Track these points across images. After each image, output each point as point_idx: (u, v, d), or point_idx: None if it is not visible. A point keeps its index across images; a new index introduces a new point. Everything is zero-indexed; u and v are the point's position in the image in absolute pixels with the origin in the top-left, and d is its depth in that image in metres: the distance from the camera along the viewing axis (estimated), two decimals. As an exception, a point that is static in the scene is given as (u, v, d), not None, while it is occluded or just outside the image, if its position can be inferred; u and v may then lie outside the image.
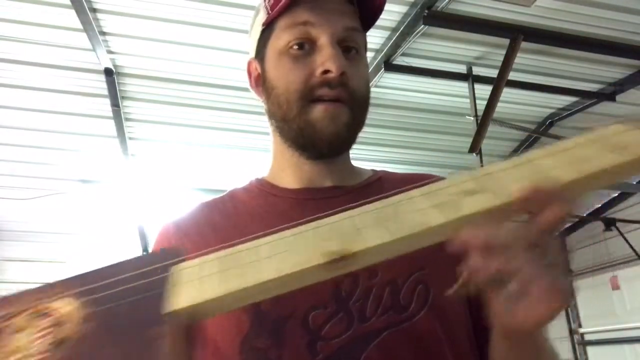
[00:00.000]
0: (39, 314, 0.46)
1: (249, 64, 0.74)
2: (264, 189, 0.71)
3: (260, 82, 0.71)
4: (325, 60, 0.63)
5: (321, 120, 0.64)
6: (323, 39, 0.64)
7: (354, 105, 0.65)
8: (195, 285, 0.42)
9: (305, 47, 0.65)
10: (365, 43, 0.72)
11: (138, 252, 4.08)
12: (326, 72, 0.63)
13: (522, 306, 0.39)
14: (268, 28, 0.69)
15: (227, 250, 0.44)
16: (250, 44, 0.75)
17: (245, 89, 3.02)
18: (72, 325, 0.44)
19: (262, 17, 0.70)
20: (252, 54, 0.73)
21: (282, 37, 0.66)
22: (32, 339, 0.43)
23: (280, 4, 0.66)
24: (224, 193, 0.73)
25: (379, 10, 0.70)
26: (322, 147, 0.65)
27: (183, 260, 0.45)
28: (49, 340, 0.43)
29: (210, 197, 0.73)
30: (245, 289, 0.40)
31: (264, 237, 0.44)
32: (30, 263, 4.33)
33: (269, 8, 0.68)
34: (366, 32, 0.71)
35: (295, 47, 0.65)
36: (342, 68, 0.63)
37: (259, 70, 0.71)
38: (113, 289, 0.46)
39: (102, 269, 0.49)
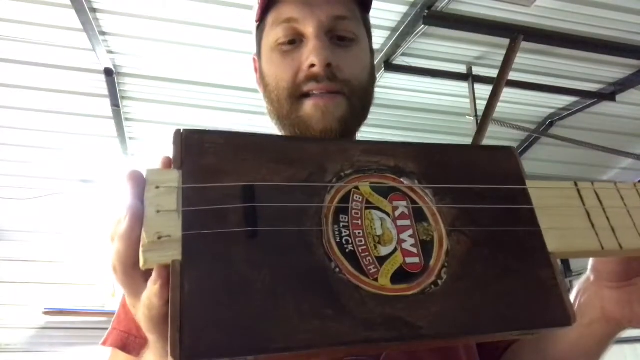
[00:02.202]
0: (383, 187, 0.36)
1: (254, 61, 0.74)
2: None
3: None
4: (310, 53, 0.61)
5: (312, 116, 0.62)
6: (309, 32, 0.62)
7: (351, 95, 0.63)
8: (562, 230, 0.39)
9: (296, 41, 0.64)
10: (367, 26, 0.69)
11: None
12: (312, 65, 0.61)
13: None
14: (261, 24, 0.68)
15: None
16: (254, 40, 0.74)
17: (246, 89, 3.01)
18: (435, 226, 0.35)
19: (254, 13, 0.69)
20: (255, 50, 0.73)
21: (270, 34, 0.65)
22: (392, 228, 0.34)
23: (260, 2, 0.65)
24: None
25: None
26: None
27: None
28: (413, 237, 0.34)
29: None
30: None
31: None
32: (30, 263, 4.32)
33: (258, 4, 0.67)
34: (367, 13, 0.69)
35: (285, 42, 0.64)
36: (326, 60, 0.61)
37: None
38: (468, 184, 0.38)
39: (438, 150, 0.40)
